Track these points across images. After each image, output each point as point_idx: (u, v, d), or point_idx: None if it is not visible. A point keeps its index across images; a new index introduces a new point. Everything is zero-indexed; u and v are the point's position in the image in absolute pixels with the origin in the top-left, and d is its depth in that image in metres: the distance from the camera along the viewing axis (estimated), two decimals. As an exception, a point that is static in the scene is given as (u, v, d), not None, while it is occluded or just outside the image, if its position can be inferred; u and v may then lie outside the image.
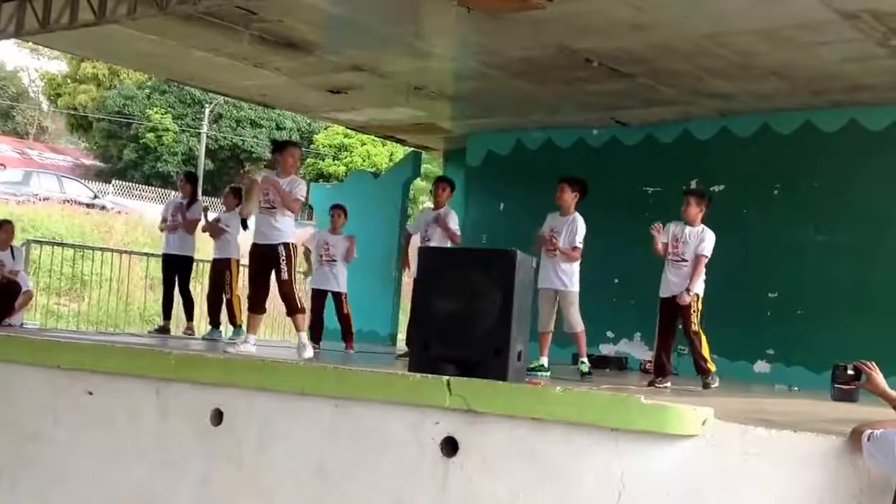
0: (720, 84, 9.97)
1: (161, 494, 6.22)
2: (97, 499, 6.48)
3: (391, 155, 32.23)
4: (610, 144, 12.11)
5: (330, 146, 37.94)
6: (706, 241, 7.74)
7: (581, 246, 8.26)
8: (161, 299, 11.06)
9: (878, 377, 4.38)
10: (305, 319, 8.09)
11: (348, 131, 29.74)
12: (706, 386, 7.66)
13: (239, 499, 5.94)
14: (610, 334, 11.63)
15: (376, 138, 21.42)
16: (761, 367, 10.62)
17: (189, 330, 10.73)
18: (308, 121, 36.88)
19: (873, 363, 4.45)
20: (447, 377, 5.28)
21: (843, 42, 8.35)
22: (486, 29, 8.71)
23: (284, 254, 7.75)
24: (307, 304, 9.08)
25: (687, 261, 7.72)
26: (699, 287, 7.75)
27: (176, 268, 10.69)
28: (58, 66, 44.02)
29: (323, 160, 38.13)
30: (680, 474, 4.65)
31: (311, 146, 39.48)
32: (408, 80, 10.94)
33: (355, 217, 10.59)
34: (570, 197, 8.34)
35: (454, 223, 9.02)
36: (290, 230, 7.90)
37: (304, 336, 7.85)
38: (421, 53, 9.79)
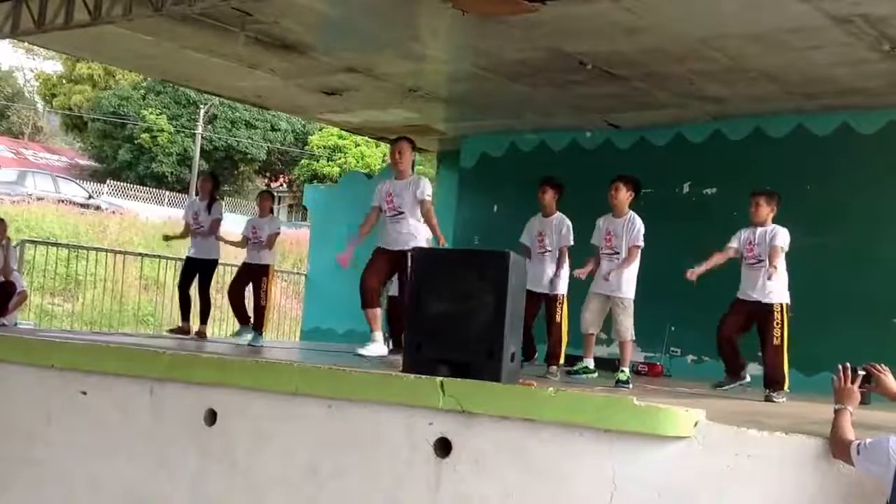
0: (713, 87, 10.01)
1: (154, 494, 6.23)
2: (90, 499, 6.49)
3: (385, 156, 32.22)
4: (603, 147, 12.14)
5: (324, 147, 37.96)
6: (779, 234, 7.57)
7: (641, 244, 7.92)
8: (178, 302, 10.81)
9: (888, 380, 4.39)
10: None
11: (342, 132, 29.78)
12: (769, 398, 7.33)
13: (232, 499, 5.95)
14: (604, 336, 11.62)
15: (370, 139, 21.49)
16: (753, 369, 10.64)
17: (201, 333, 10.64)
18: (303, 122, 36.92)
19: (884, 366, 4.46)
20: (440, 378, 5.30)
21: (835, 46, 8.39)
22: (480, 31, 8.74)
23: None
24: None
25: (763, 261, 7.52)
26: (786, 296, 7.53)
27: (198, 270, 10.53)
28: (53, 66, 44.06)
29: (317, 161, 38.15)
30: (672, 475, 4.68)
31: (306, 147, 39.52)
32: (402, 82, 10.96)
33: (349, 218, 10.57)
34: (625, 196, 8.05)
35: (566, 233, 8.45)
36: (422, 235, 7.31)
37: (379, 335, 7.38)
38: (415, 56, 9.81)
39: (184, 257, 10.92)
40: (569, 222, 8.52)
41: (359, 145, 34.40)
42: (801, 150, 10.72)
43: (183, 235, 10.87)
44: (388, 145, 14.34)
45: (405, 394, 5.39)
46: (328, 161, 37.42)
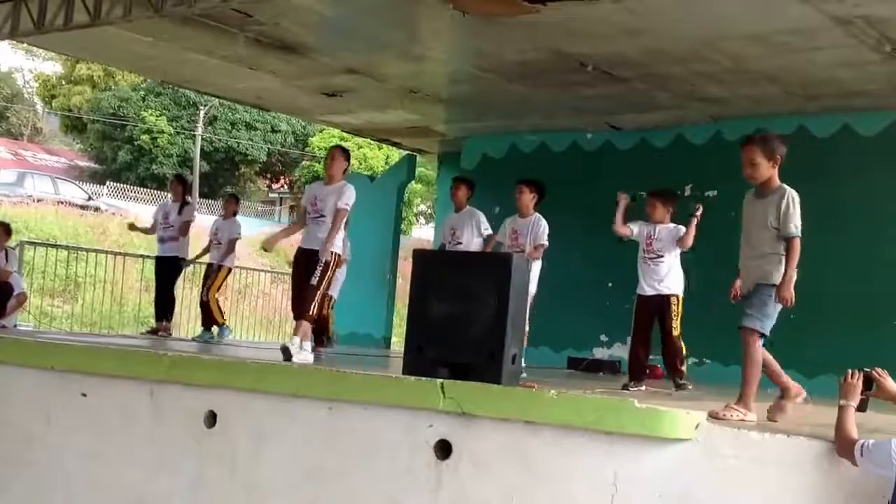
0: (714, 89, 10.00)
1: (154, 496, 6.22)
2: (90, 500, 6.48)
3: (387, 158, 32.26)
4: (604, 148, 12.12)
5: (325, 149, 37.87)
6: (681, 229, 7.92)
7: (546, 243, 8.29)
8: (154, 301, 11.15)
9: (889, 383, 4.38)
10: (309, 328, 7.69)
11: (344, 134, 29.73)
12: (679, 387, 7.63)
13: (232, 500, 5.94)
14: (604, 338, 11.64)
15: (372, 141, 21.51)
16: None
17: (164, 331, 10.72)
18: (303, 123, 36.88)
19: (884, 370, 4.45)
20: (441, 380, 5.30)
21: (836, 48, 8.37)
22: (480, 33, 8.73)
23: (322, 260, 7.50)
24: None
25: (663, 256, 7.82)
26: (681, 289, 7.85)
27: (166, 269, 10.75)
28: (53, 67, 44.03)
29: (318, 163, 38.12)
30: (672, 477, 4.67)
31: (307, 149, 39.51)
32: (403, 84, 10.94)
33: (350, 219, 10.58)
34: (528, 199, 8.43)
35: (478, 224, 8.94)
36: (338, 240, 7.68)
37: (298, 340, 7.47)
38: (416, 57, 9.80)
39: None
40: (480, 216, 8.96)
41: (360, 147, 34.37)
42: (802, 152, 10.66)
43: (148, 232, 11.13)
44: (390, 147, 14.36)
45: (406, 396, 5.38)
46: (328, 163, 37.35)
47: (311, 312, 7.52)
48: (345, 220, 7.74)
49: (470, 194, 9.13)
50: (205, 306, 10.52)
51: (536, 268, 8.26)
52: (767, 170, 5.66)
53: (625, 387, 7.66)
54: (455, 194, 9.13)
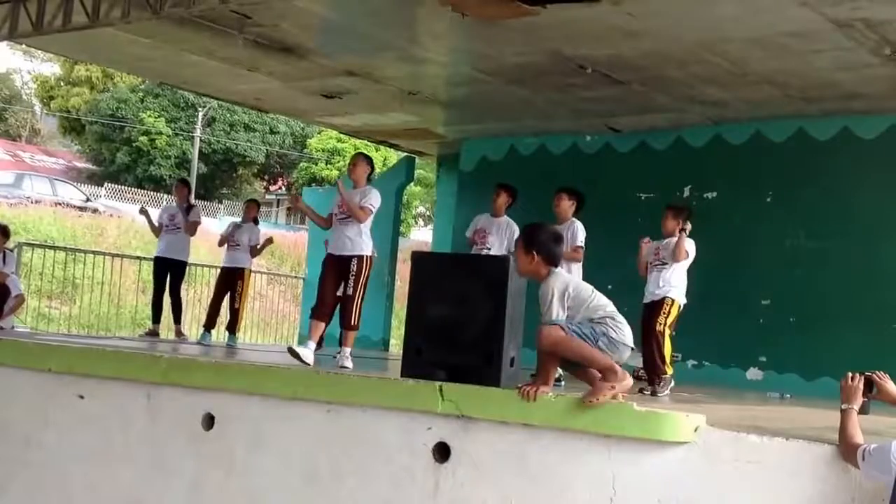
0: (713, 91, 9.99)
1: (151, 498, 6.20)
2: (87, 502, 6.46)
3: (385, 160, 32.24)
4: (603, 151, 12.11)
5: (323, 150, 37.96)
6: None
7: (582, 245, 8.15)
8: (151, 303, 11.11)
9: (889, 386, 4.37)
10: (353, 337, 7.76)
11: (342, 136, 29.74)
12: (653, 392, 7.48)
13: (230, 503, 5.93)
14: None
15: (370, 143, 21.50)
16: (754, 374, 10.63)
17: (180, 334, 10.74)
18: (302, 125, 36.90)
19: (884, 373, 4.44)
20: (439, 383, 5.28)
21: (836, 50, 8.37)
22: (480, 35, 8.72)
23: (355, 268, 7.59)
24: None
25: (667, 264, 7.83)
26: (675, 292, 7.81)
27: (168, 271, 10.72)
28: (51, 68, 44.04)
29: (316, 164, 38.14)
30: (671, 481, 4.65)
31: (305, 150, 39.53)
32: (402, 86, 10.93)
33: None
34: (567, 205, 8.28)
35: (511, 238, 8.62)
36: (367, 242, 7.75)
37: (347, 351, 7.56)
38: (415, 59, 9.78)
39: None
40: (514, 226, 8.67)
41: (359, 148, 34.39)
42: (802, 155, 10.69)
43: (155, 231, 11.04)
44: (389, 149, 14.32)
45: (404, 398, 5.37)
46: (327, 164, 37.41)
47: (353, 322, 7.64)
48: (370, 218, 7.78)
49: (510, 202, 8.73)
50: (237, 313, 10.50)
51: (576, 271, 8.03)
52: (527, 265, 5.31)
53: (642, 390, 7.61)
54: (495, 199, 8.72)
